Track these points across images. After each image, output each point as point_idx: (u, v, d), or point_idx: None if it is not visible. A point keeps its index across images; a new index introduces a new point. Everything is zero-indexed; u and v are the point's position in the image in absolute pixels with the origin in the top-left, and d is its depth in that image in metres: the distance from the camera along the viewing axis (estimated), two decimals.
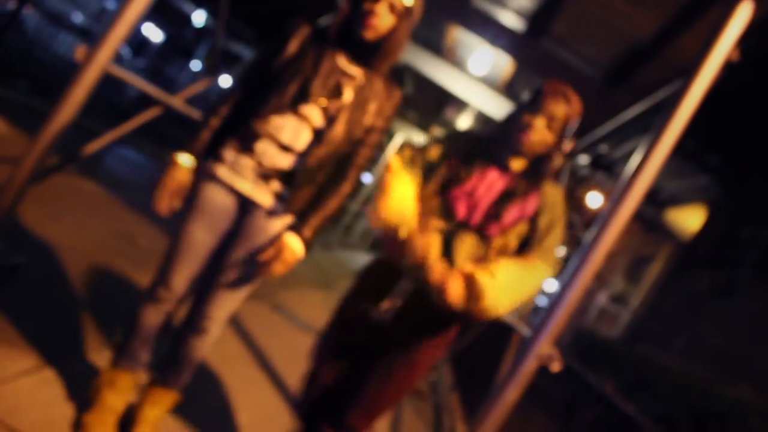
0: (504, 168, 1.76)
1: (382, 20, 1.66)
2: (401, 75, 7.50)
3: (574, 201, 10.19)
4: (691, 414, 4.38)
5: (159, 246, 4.37)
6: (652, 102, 3.44)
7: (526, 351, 2.24)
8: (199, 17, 19.18)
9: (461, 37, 5.47)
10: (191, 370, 1.92)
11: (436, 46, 5.94)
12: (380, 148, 13.06)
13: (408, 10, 1.70)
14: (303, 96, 1.68)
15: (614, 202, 2.21)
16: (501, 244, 1.71)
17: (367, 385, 1.78)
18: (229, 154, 1.71)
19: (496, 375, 3.76)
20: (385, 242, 1.74)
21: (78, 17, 15.02)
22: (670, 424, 4.17)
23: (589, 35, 4.18)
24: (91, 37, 14.21)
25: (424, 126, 11.28)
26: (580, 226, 8.46)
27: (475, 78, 6.16)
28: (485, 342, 4.94)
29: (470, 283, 1.56)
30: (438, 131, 10.85)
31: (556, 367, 2.22)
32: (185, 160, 1.71)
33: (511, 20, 4.62)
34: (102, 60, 2.22)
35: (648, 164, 2.18)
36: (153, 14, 19.51)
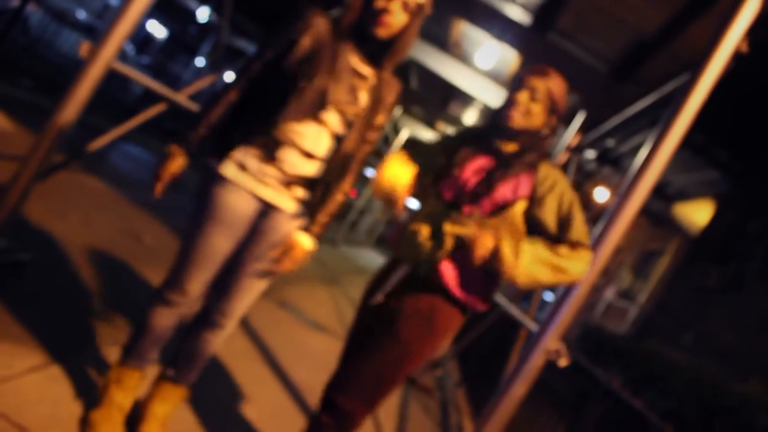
0: (495, 152, 1.81)
1: (396, 18, 1.64)
2: (407, 70, 7.47)
3: (581, 196, 10.15)
4: (699, 409, 4.36)
5: (164, 243, 4.37)
6: (660, 95, 3.41)
7: (533, 346, 2.23)
8: (203, 13, 19.19)
9: (467, 32, 5.43)
10: (202, 365, 1.92)
11: (442, 41, 5.91)
12: (386, 143, 13.04)
13: (420, 8, 1.69)
14: (322, 101, 1.66)
15: (621, 196, 2.19)
16: (502, 224, 1.74)
17: (352, 363, 1.80)
18: (251, 162, 1.68)
19: (503, 371, 3.75)
20: (388, 235, 1.91)
21: (82, 14, 15.03)
22: (679, 419, 4.15)
23: (595, 28, 4.14)
24: (95, 33, 14.23)
25: (429, 121, 11.24)
26: (588, 221, 8.42)
27: (481, 72, 6.13)
28: (492, 338, 4.92)
29: (495, 250, 1.65)
30: (443, 126, 10.82)
31: (563, 362, 2.21)
32: (179, 152, 1.71)
33: (517, 14, 4.59)
34: (106, 56, 2.22)
35: (655, 158, 2.16)
36: (157, 11, 19.53)
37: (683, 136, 2.15)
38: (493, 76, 6.05)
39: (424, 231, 1.76)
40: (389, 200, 1.85)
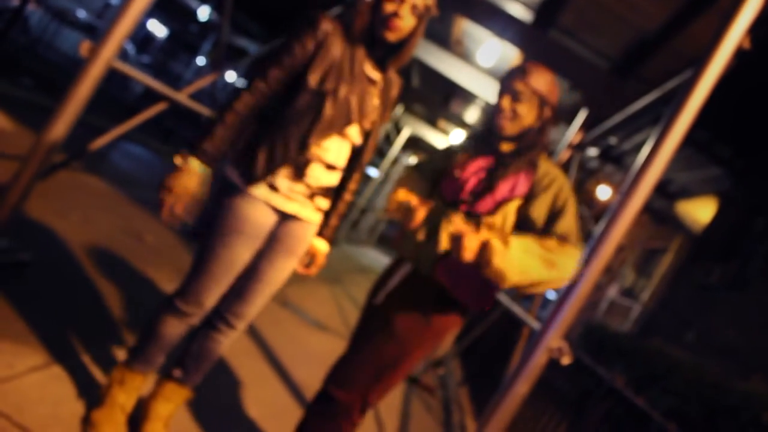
0: (495, 153, 1.83)
1: (405, 22, 1.64)
2: (408, 68, 7.46)
3: (583, 194, 10.14)
4: (702, 407, 4.35)
5: (166, 242, 4.37)
6: (662, 93, 3.40)
7: (535, 345, 2.22)
8: (203, 12, 19.17)
9: (468, 29, 5.43)
10: (209, 367, 1.91)
11: (444, 39, 5.90)
12: (387, 141, 13.04)
13: (428, 10, 1.69)
14: (348, 117, 1.68)
15: (624, 194, 2.18)
16: (494, 222, 1.73)
17: (350, 358, 1.80)
18: (282, 183, 1.66)
19: (505, 369, 3.74)
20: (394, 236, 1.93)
21: (82, 13, 15.03)
22: (681, 417, 4.14)
23: (597, 26, 4.13)
24: (96, 32, 14.23)
25: (431, 119, 11.23)
26: (590, 219, 8.41)
27: (483, 70, 6.12)
28: (494, 336, 4.92)
29: (485, 244, 1.58)
30: (445, 124, 10.81)
31: (566, 360, 2.20)
32: (198, 166, 1.57)
33: (518, 11, 4.58)
34: (107, 55, 2.21)
35: (658, 155, 2.15)
36: (157, 10, 19.54)
37: (686, 133, 2.14)
38: (495, 73, 6.05)
39: (424, 230, 1.77)
40: (406, 217, 1.82)
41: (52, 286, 2.65)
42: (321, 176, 1.72)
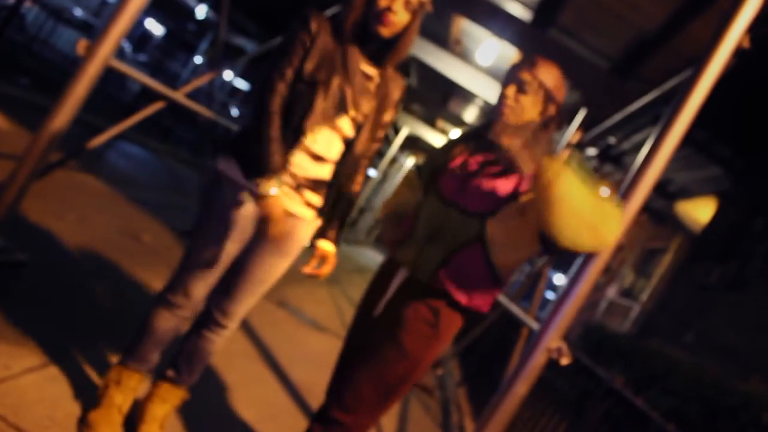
0: (495, 149, 1.76)
1: (399, 17, 1.64)
2: (407, 68, 7.45)
3: None
4: (701, 408, 4.34)
5: (163, 242, 4.35)
6: (661, 92, 3.40)
7: (534, 345, 2.21)
8: (201, 11, 19.14)
9: (467, 29, 5.42)
10: (203, 367, 1.91)
11: (442, 38, 5.89)
12: (387, 141, 13.03)
13: (421, 6, 1.68)
14: (341, 108, 1.67)
15: (623, 194, 2.17)
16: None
17: (354, 377, 1.72)
18: None
19: (504, 370, 3.73)
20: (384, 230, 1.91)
21: (78, 11, 15.01)
22: (681, 418, 4.13)
23: (596, 25, 4.13)
24: (93, 31, 14.21)
25: (429, 119, 11.23)
26: None
27: (482, 69, 6.11)
28: (493, 337, 4.91)
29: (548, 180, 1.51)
30: (443, 124, 10.81)
31: (564, 361, 2.19)
32: (273, 188, 1.57)
33: (517, 10, 4.57)
34: (104, 54, 2.20)
35: (657, 155, 2.13)
36: (154, 8, 19.51)
37: (685, 133, 2.13)
38: (494, 73, 6.04)
39: (425, 234, 1.73)
40: (397, 221, 1.84)
41: (48, 286, 2.64)
42: (307, 166, 1.70)
